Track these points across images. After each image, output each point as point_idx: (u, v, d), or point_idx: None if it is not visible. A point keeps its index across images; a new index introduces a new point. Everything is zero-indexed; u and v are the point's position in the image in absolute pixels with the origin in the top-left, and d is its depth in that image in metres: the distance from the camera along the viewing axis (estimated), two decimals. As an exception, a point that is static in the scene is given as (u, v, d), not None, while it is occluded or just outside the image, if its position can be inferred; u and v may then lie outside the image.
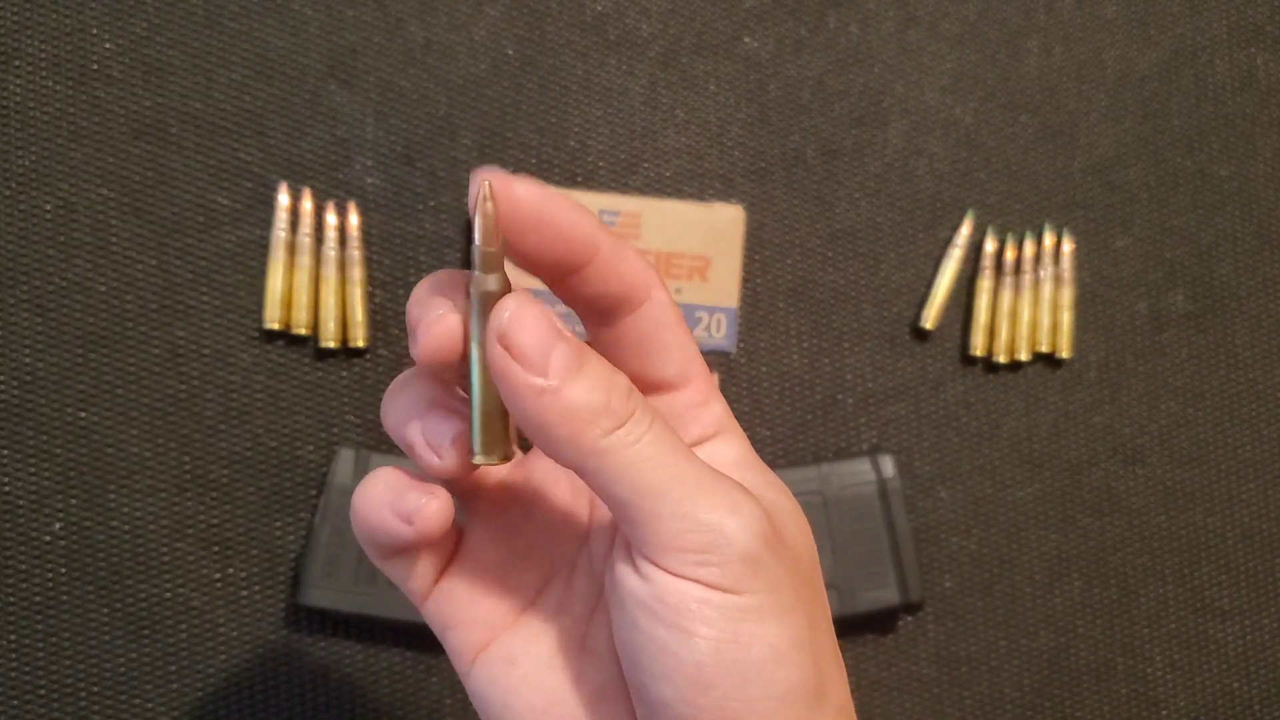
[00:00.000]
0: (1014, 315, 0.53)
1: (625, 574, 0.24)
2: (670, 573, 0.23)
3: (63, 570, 0.49)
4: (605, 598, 0.26)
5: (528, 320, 0.23)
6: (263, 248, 0.50)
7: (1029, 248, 0.53)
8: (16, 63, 0.50)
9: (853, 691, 0.55)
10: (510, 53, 0.52)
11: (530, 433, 0.23)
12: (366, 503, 0.25)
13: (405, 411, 0.26)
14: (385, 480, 0.25)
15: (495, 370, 0.23)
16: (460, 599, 0.26)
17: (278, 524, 0.50)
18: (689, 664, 0.22)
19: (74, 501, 0.49)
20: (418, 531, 0.25)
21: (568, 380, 0.23)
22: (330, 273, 0.50)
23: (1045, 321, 0.53)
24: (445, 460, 0.25)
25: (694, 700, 0.22)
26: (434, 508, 0.25)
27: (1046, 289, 0.53)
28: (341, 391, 0.50)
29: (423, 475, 0.26)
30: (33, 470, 0.49)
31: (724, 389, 0.52)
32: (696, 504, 0.23)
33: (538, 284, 0.26)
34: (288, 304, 0.50)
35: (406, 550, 0.26)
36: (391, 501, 0.25)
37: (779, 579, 0.23)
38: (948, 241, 0.53)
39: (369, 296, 0.51)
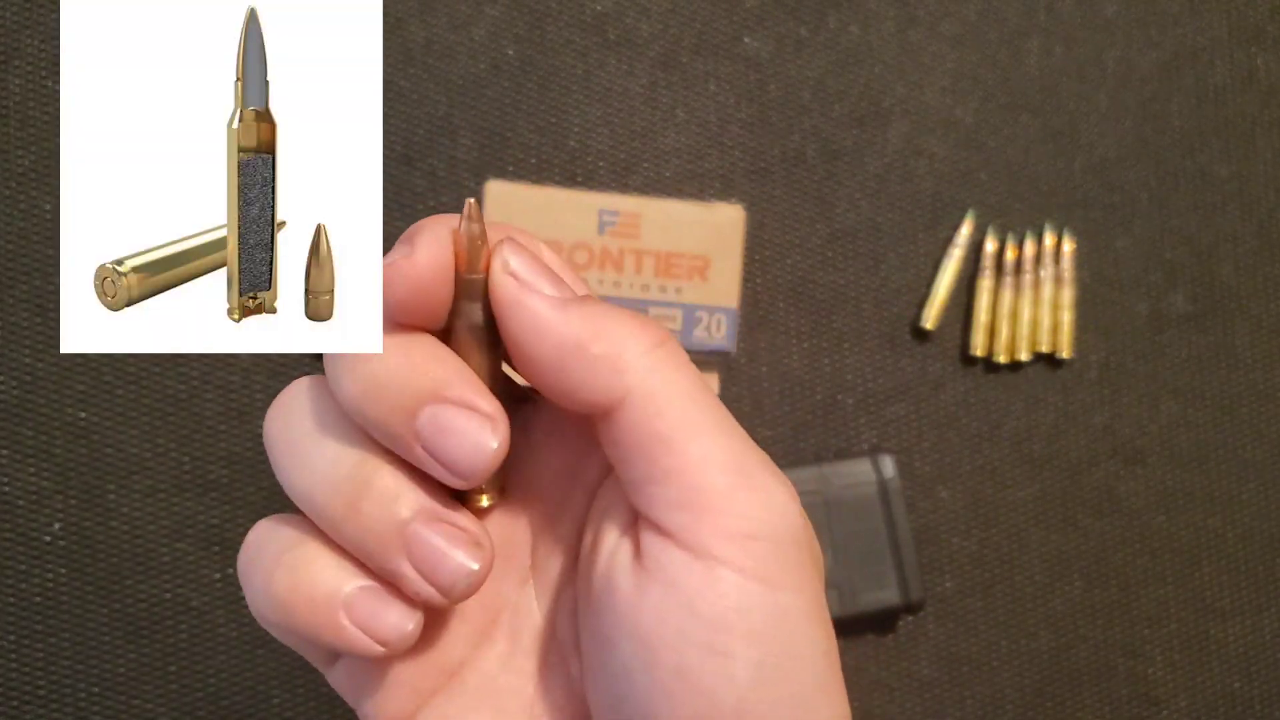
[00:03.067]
0: (1014, 315, 0.53)
1: (641, 587, 0.18)
2: (705, 555, 0.18)
3: (62, 571, 0.49)
4: (561, 642, 0.21)
5: (532, 255, 0.20)
6: (262, 248, 0.50)
7: (1029, 248, 0.53)
8: (16, 62, 0.50)
9: (853, 692, 0.54)
10: (510, 53, 0.52)
11: (551, 366, 0.19)
12: (300, 591, 0.19)
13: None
14: (331, 567, 0.19)
15: (507, 300, 0.19)
16: (378, 659, 0.20)
17: (277, 524, 0.50)
18: (727, 701, 0.17)
19: (73, 502, 0.49)
20: (393, 652, 0.19)
21: (589, 297, 0.19)
22: (330, 273, 0.50)
23: (1045, 321, 0.53)
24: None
25: None
26: (413, 627, 0.19)
27: (1047, 289, 0.53)
28: (341, 392, 0.50)
29: None
30: (32, 470, 0.49)
31: (724, 389, 0.52)
32: (749, 458, 0.19)
33: None
34: (287, 304, 0.50)
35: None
36: (351, 604, 0.19)
37: (816, 581, 0.19)
38: (948, 241, 0.53)
39: (369, 296, 0.51)
